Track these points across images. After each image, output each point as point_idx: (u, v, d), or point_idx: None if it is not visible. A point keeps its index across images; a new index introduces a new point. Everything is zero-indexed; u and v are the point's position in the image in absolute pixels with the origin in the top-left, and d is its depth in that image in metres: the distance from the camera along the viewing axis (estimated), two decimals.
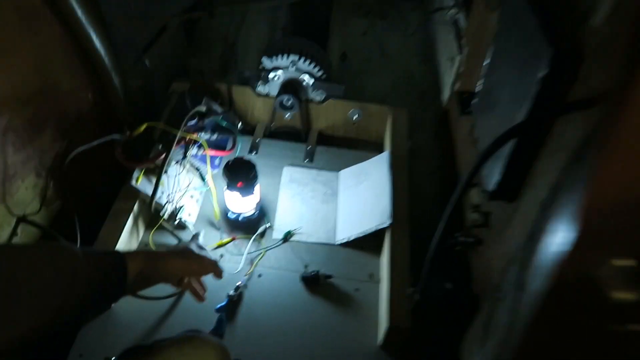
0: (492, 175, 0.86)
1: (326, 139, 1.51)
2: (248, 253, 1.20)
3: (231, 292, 1.11)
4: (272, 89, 1.42)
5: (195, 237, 1.07)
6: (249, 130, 1.51)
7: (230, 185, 1.15)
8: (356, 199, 1.31)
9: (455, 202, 0.85)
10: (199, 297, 1.01)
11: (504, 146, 0.77)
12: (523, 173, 0.82)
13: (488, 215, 1.00)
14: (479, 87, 1.00)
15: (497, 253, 0.94)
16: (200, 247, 1.02)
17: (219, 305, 1.09)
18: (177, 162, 1.19)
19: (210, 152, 1.27)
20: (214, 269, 0.97)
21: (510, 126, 0.74)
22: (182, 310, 1.11)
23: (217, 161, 1.32)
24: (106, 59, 1.15)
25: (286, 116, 1.48)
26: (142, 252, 0.85)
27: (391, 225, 1.17)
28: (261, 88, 1.42)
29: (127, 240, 1.14)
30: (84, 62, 1.12)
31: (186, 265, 0.93)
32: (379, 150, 1.41)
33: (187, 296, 1.12)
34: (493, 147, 0.76)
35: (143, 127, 1.10)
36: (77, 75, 1.11)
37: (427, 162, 1.46)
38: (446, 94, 1.45)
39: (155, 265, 0.84)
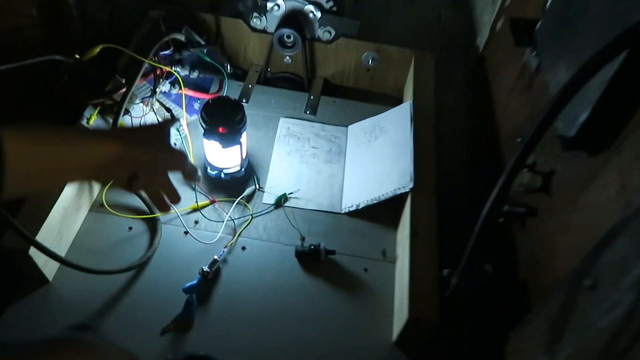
0: (574, 114, 0.60)
1: (332, 90, 1.25)
2: (230, 220, 0.95)
3: (205, 268, 0.87)
4: (270, 22, 1.15)
5: (173, 120, 0.78)
6: (239, 74, 1.25)
7: (209, 131, 0.89)
8: (368, 158, 1.05)
9: (518, 159, 0.59)
10: (164, 206, 0.66)
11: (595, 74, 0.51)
12: (626, 111, 0.56)
13: (549, 177, 0.75)
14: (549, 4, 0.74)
15: (565, 227, 0.68)
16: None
17: (188, 285, 0.85)
18: (142, 100, 0.93)
19: (188, 92, 1.01)
20: (185, 164, 0.64)
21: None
22: (141, 288, 0.86)
23: (196, 105, 1.07)
24: None
25: (286, 59, 1.21)
26: (43, 131, 0.50)
27: (413, 191, 0.92)
28: (257, 21, 1.15)
29: (74, 199, 0.89)
30: None
31: (142, 152, 0.57)
32: (397, 105, 1.15)
33: (149, 271, 0.87)
34: (592, 65, 0.50)
35: (97, 49, 0.84)
36: None
37: (455, 123, 1.21)
38: (484, 36, 1.18)
39: (75, 149, 0.50)
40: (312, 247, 0.92)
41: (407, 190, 0.93)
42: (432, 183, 0.94)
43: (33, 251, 0.78)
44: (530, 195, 0.79)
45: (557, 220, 0.71)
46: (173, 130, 1.01)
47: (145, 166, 0.59)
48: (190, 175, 0.66)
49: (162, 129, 0.63)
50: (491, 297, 0.82)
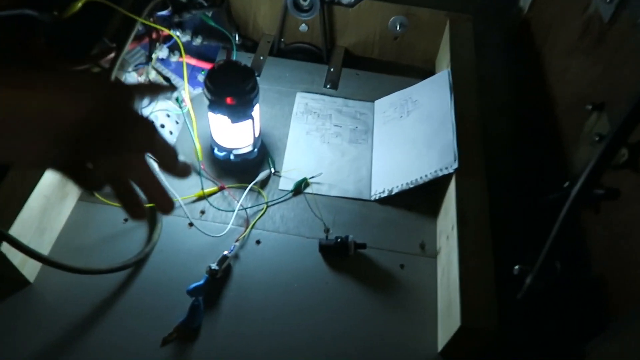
0: None
1: (354, 62, 1.11)
2: (241, 209, 0.81)
3: (213, 266, 0.73)
4: None
5: (164, 88, 0.49)
6: (249, 46, 1.10)
7: (216, 103, 0.75)
8: (401, 136, 0.91)
9: (619, 133, 0.44)
10: (136, 211, 0.41)
11: None
12: None
13: (638, 149, 0.60)
14: None
15: None
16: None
17: (193, 286, 0.71)
18: (136, 69, 0.79)
19: (190, 60, 0.87)
20: (155, 142, 0.40)
21: None
22: (138, 290, 0.73)
23: (200, 77, 0.92)
24: None
25: (301, 26, 1.07)
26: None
27: (457, 172, 0.78)
28: None
29: (58, 185, 0.75)
30: None
31: (73, 109, 0.35)
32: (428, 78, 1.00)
33: (147, 270, 0.74)
34: None
35: (80, 3, 0.70)
36: None
37: (495, 96, 1.05)
38: None
39: None
40: (338, 240, 0.78)
41: (451, 171, 0.78)
42: (480, 162, 0.79)
43: (6, 247, 0.64)
44: (610, 173, 0.64)
45: None
46: (173, 105, 0.87)
47: (85, 136, 0.35)
48: (167, 162, 0.41)
49: (127, 90, 0.40)
50: (559, 299, 0.67)
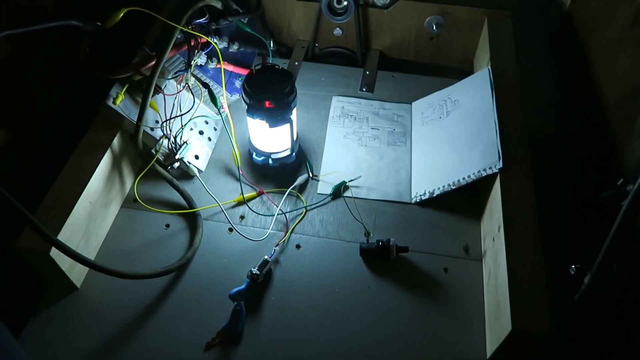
0: None
1: (390, 64, 1.09)
2: (280, 213, 0.81)
3: (254, 270, 0.72)
4: None
5: None
6: (284, 52, 1.11)
7: (254, 107, 0.75)
8: (441, 137, 0.89)
9: None
10: None
11: None
12: None
13: None
14: None
15: None
16: None
17: (235, 290, 0.71)
18: (175, 76, 0.80)
19: (227, 67, 0.88)
20: None
21: None
22: (181, 295, 0.73)
23: (237, 83, 0.93)
24: None
25: (336, 30, 1.06)
26: None
27: (502, 171, 0.75)
28: None
29: (102, 193, 0.76)
30: None
31: None
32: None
33: (189, 275, 0.74)
34: None
35: (121, 13, 0.71)
36: None
37: (538, 94, 1.02)
38: None
39: None
40: (379, 243, 0.76)
41: (496, 170, 0.75)
42: (526, 160, 0.76)
43: (55, 253, 0.66)
44: None
45: None
46: (211, 111, 0.87)
47: None
48: None
49: None
50: (617, 301, 0.64)
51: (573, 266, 0.53)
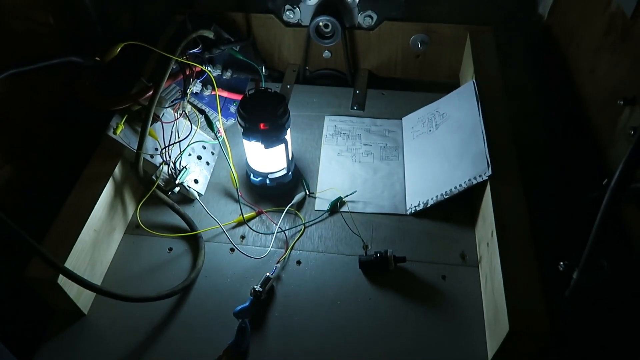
0: None
1: (379, 82, 1.13)
2: (280, 231, 0.83)
3: (257, 287, 0.74)
4: (305, 13, 1.05)
5: None
6: (276, 77, 1.14)
7: (250, 130, 0.78)
8: (431, 149, 0.91)
9: None
10: None
11: None
12: None
13: None
14: None
15: None
16: None
17: (239, 308, 0.72)
18: (172, 104, 0.83)
19: (222, 93, 0.91)
20: None
21: None
22: (186, 315, 0.74)
23: (232, 108, 0.96)
24: None
25: (325, 53, 1.10)
26: None
27: (491, 178, 0.78)
28: (290, 14, 1.05)
29: (106, 220, 0.79)
30: None
31: None
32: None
33: (194, 296, 0.76)
34: None
35: (118, 48, 0.75)
36: None
37: (524, 103, 1.05)
38: (548, 1, 1.04)
39: None
40: (378, 255, 0.78)
41: (485, 178, 0.78)
42: (514, 165, 0.79)
43: (63, 280, 0.68)
44: None
45: None
46: (209, 137, 0.90)
47: None
48: None
49: None
50: (611, 299, 0.66)
51: (562, 263, 0.55)
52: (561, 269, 0.53)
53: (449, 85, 1.09)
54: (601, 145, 0.79)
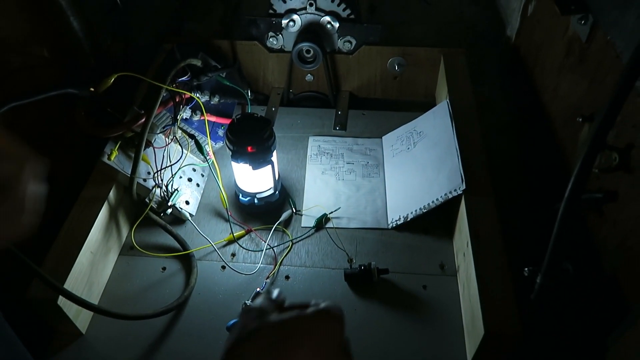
0: None
1: (359, 103, 1.19)
2: (269, 248, 0.88)
3: (248, 302, 0.78)
4: (287, 40, 1.11)
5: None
6: (261, 99, 1.20)
7: (238, 152, 0.83)
8: (410, 166, 0.97)
9: (597, 138, 0.50)
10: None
11: None
12: None
13: (627, 151, 0.65)
14: None
15: None
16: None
17: (231, 322, 0.76)
18: (164, 130, 0.88)
19: (210, 118, 0.96)
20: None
21: None
22: (181, 332, 0.78)
23: (220, 132, 1.01)
24: (65, 4, 0.86)
25: (307, 77, 1.16)
26: None
27: (465, 192, 0.83)
28: (273, 41, 1.11)
29: (102, 242, 0.82)
30: (35, 7, 0.82)
31: None
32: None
33: (188, 312, 0.80)
34: None
35: (112, 79, 0.80)
36: (26, 25, 0.82)
37: (495, 117, 1.11)
38: (514, 24, 1.11)
39: None
40: (362, 267, 0.83)
41: (460, 192, 0.83)
42: (486, 179, 0.85)
43: (62, 301, 0.71)
44: (605, 177, 0.69)
45: None
46: (199, 160, 0.95)
47: None
48: None
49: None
50: (577, 300, 0.71)
51: (526, 269, 0.60)
52: (526, 274, 0.58)
53: (426, 104, 1.15)
54: (567, 158, 0.85)
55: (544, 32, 0.97)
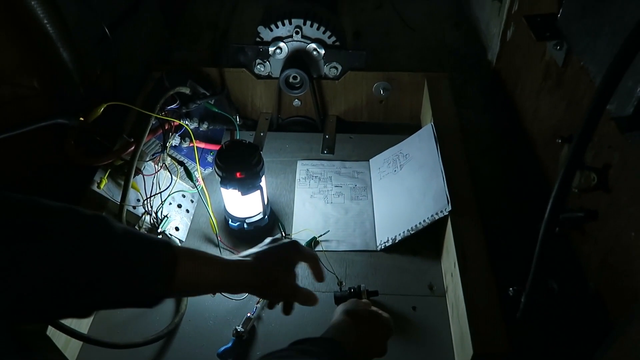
0: (628, 88, 0.54)
1: (346, 127, 1.21)
2: None
3: (239, 328, 0.78)
4: (275, 67, 1.13)
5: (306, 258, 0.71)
6: (250, 125, 1.21)
7: (227, 179, 0.84)
8: (397, 188, 0.98)
9: (573, 159, 0.52)
10: (313, 300, 0.69)
11: None
12: None
13: (605, 171, 0.67)
14: None
15: (635, 224, 0.60)
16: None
17: (222, 349, 0.76)
18: (153, 157, 0.89)
19: (199, 144, 0.97)
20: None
21: None
22: (172, 359, 0.77)
23: (209, 158, 1.02)
24: (55, 36, 0.87)
25: (295, 102, 1.18)
26: (214, 260, 0.61)
27: (451, 213, 0.85)
28: (260, 67, 1.13)
29: None
30: (25, 39, 0.84)
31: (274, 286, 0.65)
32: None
33: (178, 339, 0.80)
34: None
35: (101, 108, 0.81)
36: (16, 56, 0.83)
37: (478, 139, 1.14)
38: (495, 48, 1.14)
39: (227, 276, 0.61)
40: (352, 290, 0.83)
41: (446, 213, 0.85)
42: (472, 200, 0.86)
43: (51, 331, 0.71)
44: (585, 196, 0.71)
45: (625, 216, 0.63)
46: (188, 186, 0.96)
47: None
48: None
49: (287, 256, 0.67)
50: (563, 317, 0.72)
51: (511, 288, 0.61)
52: (511, 294, 0.60)
53: (411, 126, 1.18)
54: (549, 178, 0.87)
55: (523, 57, 1.00)
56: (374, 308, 0.72)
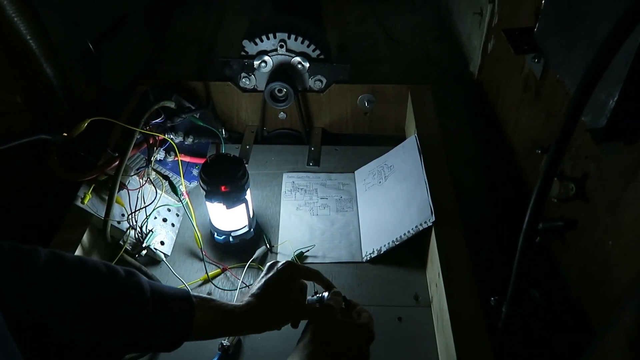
0: (601, 101, 0.55)
1: (332, 139, 1.22)
2: (243, 286, 0.88)
3: (224, 342, 0.78)
4: (260, 80, 1.14)
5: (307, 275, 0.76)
6: (235, 138, 1.22)
7: (212, 192, 0.84)
8: (382, 199, 0.99)
9: (549, 169, 0.53)
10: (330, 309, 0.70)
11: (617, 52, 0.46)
12: None
13: (582, 181, 0.68)
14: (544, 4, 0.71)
15: (615, 230, 0.61)
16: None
17: None
18: (137, 172, 0.88)
19: (184, 158, 0.97)
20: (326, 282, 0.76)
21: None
22: None
23: (195, 171, 1.02)
24: (38, 51, 0.87)
25: (280, 114, 1.19)
26: (227, 313, 0.67)
27: (435, 224, 0.85)
28: (246, 81, 1.14)
29: None
30: (8, 54, 0.84)
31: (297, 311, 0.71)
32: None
33: (163, 354, 0.79)
34: (614, 40, 0.45)
35: (85, 123, 0.81)
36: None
37: (461, 150, 1.15)
38: (476, 61, 1.16)
39: (238, 322, 0.67)
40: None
41: (430, 224, 0.86)
42: (455, 211, 0.87)
43: None
44: (565, 206, 0.73)
45: (603, 225, 0.64)
46: (173, 199, 0.96)
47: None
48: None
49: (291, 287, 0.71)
50: (546, 326, 0.73)
51: (493, 298, 0.62)
52: (492, 304, 0.60)
53: (396, 138, 1.19)
54: (530, 189, 0.88)
55: (504, 69, 1.02)
56: (343, 318, 0.69)
